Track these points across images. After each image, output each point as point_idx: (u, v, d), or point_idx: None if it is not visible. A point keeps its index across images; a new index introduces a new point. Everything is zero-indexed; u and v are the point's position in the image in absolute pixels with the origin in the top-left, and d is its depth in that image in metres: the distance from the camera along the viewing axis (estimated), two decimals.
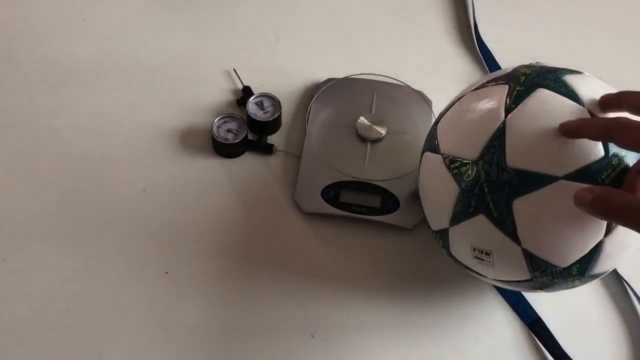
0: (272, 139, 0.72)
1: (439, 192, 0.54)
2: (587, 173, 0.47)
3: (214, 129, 0.69)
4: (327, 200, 0.66)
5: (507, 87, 0.52)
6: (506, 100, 0.51)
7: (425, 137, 0.59)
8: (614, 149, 0.47)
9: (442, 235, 0.55)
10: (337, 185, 0.66)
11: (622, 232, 0.49)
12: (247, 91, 0.74)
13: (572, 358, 0.59)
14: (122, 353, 0.57)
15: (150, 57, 0.78)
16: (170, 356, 0.58)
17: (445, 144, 0.54)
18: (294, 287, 0.62)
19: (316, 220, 0.66)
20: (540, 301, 0.63)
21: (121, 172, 0.68)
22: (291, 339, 0.59)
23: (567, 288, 0.53)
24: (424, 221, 0.60)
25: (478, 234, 0.51)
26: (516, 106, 0.50)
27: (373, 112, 0.72)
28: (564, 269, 0.50)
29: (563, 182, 0.47)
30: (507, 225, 0.49)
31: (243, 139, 0.69)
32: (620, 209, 0.43)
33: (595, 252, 0.49)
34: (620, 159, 0.47)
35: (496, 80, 0.54)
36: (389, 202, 0.66)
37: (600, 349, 0.61)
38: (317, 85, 0.75)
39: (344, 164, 0.68)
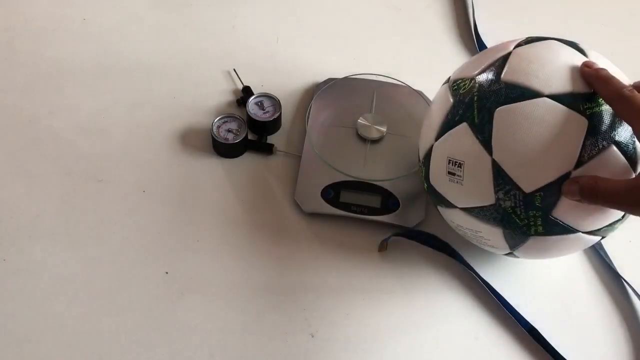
0: (272, 139, 0.72)
1: (436, 111, 0.57)
2: (570, 99, 0.49)
3: (214, 129, 0.69)
4: (327, 200, 0.66)
5: (521, 39, 0.56)
6: (519, 42, 0.55)
7: None
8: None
9: (426, 159, 0.57)
10: (337, 185, 0.66)
11: (594, 170, 0.49)
12: (247, 91, 0.74)
13: (572, 358, 0.59)
14: (122, 353, 0.57)
15: (150, 57, 0.78)
16: (170, 356, 0.58)
17: (455, 74, 0.58)
18: (294, 287, 0.62)
19: (316, 220, 0.66)
20: (540, 301, 0.63)
21: (121, 172, 0.68)
22: (291, 339, 0.59)
23: (528, 233, 0.53)
24: (424, 219, 0.60)
25: (456, 142, 0.53)
26: (526, 44, 0.55)
27: (373, 112, 0.72)
28: (527, 194, 0.50)
29: (547, 100, 0.49)
30: (484, 132, 0.51)
31: (243, 139, 0.69)
32: (608, 193, 0.47)
33: (561, 182, 0.49)
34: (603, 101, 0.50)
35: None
36: (389, 202, 0.66)
37: (600, 349, 0.61)
38: (317, 85, 0.75)
39: (344, 164, 0.68)
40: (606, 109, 0.49)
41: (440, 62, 0.81)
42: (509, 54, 0.54)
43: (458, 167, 0.53)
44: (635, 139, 0.50)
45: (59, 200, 0.66)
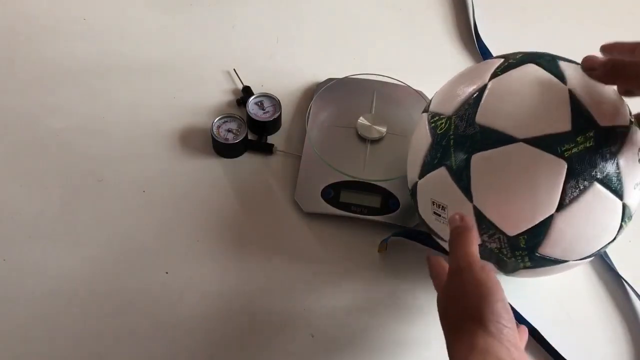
0: (272, 139, 0.72)
1: (418, 145, 0.56)
2: (547, 142, 0.48)
3: (214, 129, 0.69)
4: (327, 200, 0.66)
5: (502, 60, 0.55)
6: (495, 70, 0.53)
7: None
8: (581, 126, 0.48)
9: (413, 192, 0.58)
10: (337, 185, 0.66)
11: (575, 213, 0.49)
12: (247, 91, 0.74)
13: (572, 358, 0.59)
14: (122, 353, 0.57)
15: (150, 57, 0.78)
16: (170, 356, 0.58)
17: (433, 103, 0.57)
18: (293, 287, 0.62)
19: (316, 220, 0.66)
20: (540, 301, 0.63)
21: (121, 172, 0.68)
22: (291, 339, 0.59)
23: (517, 269, 0.53)
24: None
25: (438, 186, 0.53)
26: (502, 74, 0.52)
27: (373, 112, 0.72)
28: (511, 237, 0.50)
29: (522, 144, 0.48)
30: (462, 179, 0.50)
31: (243, 139, 0.69)
32: (633, 67, 0.46)
33: (545, 226, 0.49)
34: (585, 138, 0.48)
35: (498, 57, 0.57)
36: (389, 202, 0.66)
37: (600, 349, 0.61)
38: (317, 85, 0.75)
39: (344, 164, 0.68)
40: (585, 148, 0.48)
41: (440, 62, 0.81)
42: (485, 87, 0.52)
43: (442, 209, 0.53)
44: (620, 172, 0.49)
45: (59, 200, 0.66)
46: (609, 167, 0.49)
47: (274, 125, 0.72)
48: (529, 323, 0.61)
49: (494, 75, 0.53)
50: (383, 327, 0.61)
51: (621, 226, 0.52)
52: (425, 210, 0.56)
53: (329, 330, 0.60)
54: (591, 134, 0.48)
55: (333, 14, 0.86)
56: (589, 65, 0.50)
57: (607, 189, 0.49)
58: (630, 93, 0.51)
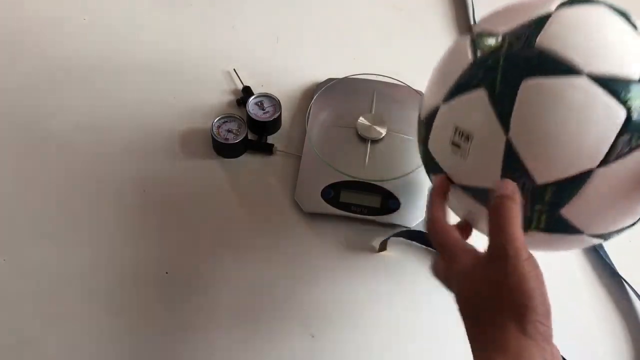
0: (272, 139, 0.72)
1: (448, 67, 0.50)
2: (613, 84, 0.41)
3: (214, 129, 0.69)
4: (327, 200, 0.66)
5: None
6: (563, 1, 0.47)
7: None
8: None
9: (428, 121, 0.50)
10: (337, 185, 0.66)
11: (617, 174, 0.43)
12: (247, 91, 0.74)
13: (572, 358, 0.59)
14: (122, 353, 0.57)
15: (150, 57, 0.78)
16: (170, 356, 0.58)
17: (480, 25, 0.50)
18: (294, 287, 0.62)
19: (316, 220, 0.66)
20: None
21: (121, 172, 0.68)
22: (291, 339, 0.59)
23: (527, 228, 0.45)
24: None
25: (468, 111, 0.46)
26: (571, 4, 0.46)
27: (373, 112, 0.72)
28: (538, 186, 0.43)
29: (585, 79, 0.42)
30: (504, 105, 0.43)
31: (243, 139, 0.69)
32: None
33: (580, 181, 0.42)
34: None
35: None
36: (389, 202, 0.66)
37: (600, 349, 0.61)
38: (317, 85, 0.75)
39: (344, 164, 0.68)
40: None
41: None
42: (549, 14, 0.45)
43: (465, 139, 0.45)
44: None
45: (59, 200, 0.66)
46: None
47: (274, 125, 0.72)
48: None
49: (562, 5, 0.46)
50: (383, 327, 0.61)
51: None
52: (439, 140, 0.49)
53: (329, 330, 0.60)
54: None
55: (333, 14, 0.86)
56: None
57: None
58: None
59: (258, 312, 0.60)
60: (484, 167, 0.45)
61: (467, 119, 0.46)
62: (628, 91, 0.41)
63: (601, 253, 0.66)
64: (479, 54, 0.46)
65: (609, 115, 0.41)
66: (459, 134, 0.46)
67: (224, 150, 0.70)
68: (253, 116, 0.70)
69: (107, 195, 0.67)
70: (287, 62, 0.79)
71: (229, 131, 0.69)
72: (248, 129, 0.71)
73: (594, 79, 0.41)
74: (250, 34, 0.82)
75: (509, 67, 0.44)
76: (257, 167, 0.70)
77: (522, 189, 0.43)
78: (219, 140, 0.68)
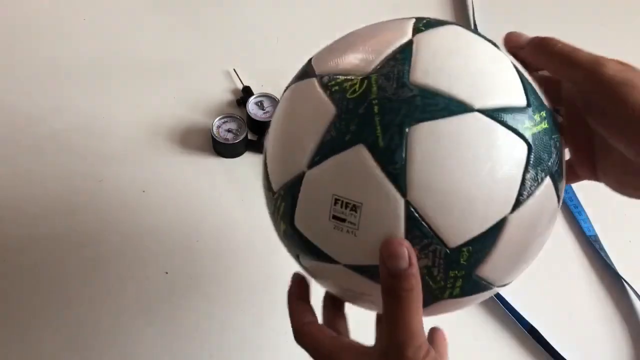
0: None
1: (303, 121, 0.39)
2: (506, 116, 0.36)
3: (214, 129, 0.69)
4: None
5: (413, 18, 0.44)
6: (417, 25, 0.42)
7: None
8: (535, 103, 0.38)
9: (289, 192, 0.39)
10: None
11: (528, 216, 0.37)
12: (247, 91, 0.74)
13: (572, 358, 0.59)
14: (122, 353, 0.57)
15: (150, 57, 0.78)
16: (170, 356, 0.58)
17: (323, 64, 0.42)
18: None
19: None
20: (540, 301, 0.63)
21: (121, 172, 0.68)
22: (291, 339, 0.59)
23: (440, 297, 0.38)
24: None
25: (349, 175, 0.36)
26: (426, 30, 0.41)
27: None
28: (452, 250, 0.35)
29: (479, 115, 0.35)
30: (394, 161, 0.35)
31: (243, 139, 0.69)
32: (565, 47, 0.39)
33: (495, 232, 0.36)
34: (541, 118, 0.38)
35: (403, 19, 0.44)
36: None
37: (600, 349, 0.61)
38: None
39: None
40: (542, 129, 0.37)
41: None
42: (410, 42, 0.39)
43: (352, 210, 0.36)
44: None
45: (59, 200, 0.66)
46: (557, 158, 0.38)
47: None
48: (529, 323, 0.61)
49: (417, 30, 0.40)
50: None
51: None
52: (313, 215, 0.38)
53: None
54: (544, 114, 0.37)
55: (333, 13, 0.86)
56: (514, 44, 0.40)
57: (554, 188, 0.38)
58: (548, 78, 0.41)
59: (258, 312, 0.60)
60: (381, 241, 0.36)
61: (351, 186, 0.36)
62: (522, 122, 0.36)
63: (601, 253, 0.66)
64: (343, 103, 0.37)
65: (512, 151, 0.36)
66: (343, 204, 0.36)
67: (224, 150, 0.70)
68: (253, 116, 0.70)
69: (107, 195, 0.67)
70: (287, 62, 0.79)
71: (229, 131, 0.69)
72: (248, 129, 0.71)
73: (487, 114, 0.35)
74: (250, 34, 0.82)
75: (388, 114, 0.35)
76: (257, 167, 0.70)
77: (434, 255, 0.36)
78: (219, 140, 0.68)
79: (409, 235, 0.35)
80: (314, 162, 0.37)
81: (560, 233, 0.68)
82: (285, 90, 0.44)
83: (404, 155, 0.35)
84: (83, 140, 0.70)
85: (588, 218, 0.68)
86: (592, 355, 0.61)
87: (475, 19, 0.85)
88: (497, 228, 0.36)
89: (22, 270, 0.61)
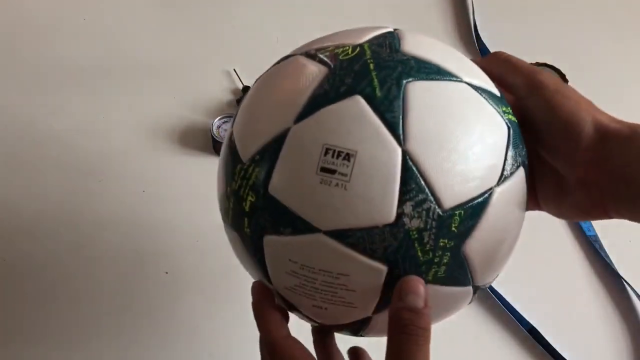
0: None
1: (287, 84, 0.38)
2: (489, 94, 0.37)
3: (214, 128, 0.69)
4: None
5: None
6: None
7: None
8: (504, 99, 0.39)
9: (266, 155, 0.35)
10: None
11: (508, 196, 0.36)
12: (247, 91, 0.74)
13: (572, 358, 0.59)
14: (122, 353, 0.57)
15: (150, 57, 0.78)
16: (170, 356, 0.58)
17: (306, 47, 0.42)
18: None
19: None
20: (540, 301, 0.63)
21: (121, 172, 0.68)
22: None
23: (431, 265, 0.34)
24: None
25: (344, 122, 0.34)
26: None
27: None
28: (444, 212, 0.33)
29: (469, 88, 0.36)
30: (393, 109, 0.34)
31: None
32: (510, 57, 0.41)
33: (484, 202, 0.34)
34: (508, 111, 0.39)
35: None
36: None
37: (600, 349, 0.61)
38: None
39: None
40: (514, 122, 0.38)
41: None
42: (394, 31, 0.40)
43: (344, 160, 0.33)
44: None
45: (59, 200, 0.66)
46: (526, 154, 0.38)
47: None
48: (529, 323, 0.61)
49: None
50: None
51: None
52: (296, 175, 0.34)
53: None
54: (510, 109, 0.38)
55: (333, 13, 0.86)
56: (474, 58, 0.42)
57: (525, 178, 0.37)
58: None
59: None
60: (374, 194, 0.33)
61: (343, 133, 0.34)
62: (500, 106, 0.37)
63: (601, 253, 0.66)
64: (336, 62, 0.36)
65: (498, 125, 0.36)
66: (334, 154, 0.34)
67: None
68: None
69: (107, 195, 0.67)
70: None
71: None
72: None
73: (474, 88, 0.36)
74: (250, 34, 0.82)
75: (384, 70, 0.35)
76: None
77: (427, 215, 0.33)
78: (219, 140, 0.68)
79: (403, 187, 0.33)
80: (302, 116, 0.35)
81: (560, 233, 0.68)
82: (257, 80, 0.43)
83: (401, 105, 0.34)
84: (83, 140, 0.70)
85: None
86: (592, 355, 0.61)
87: (476, 19, 0.85)
88: (486, 199, 0.34)
89: (22, 270, 0.61)
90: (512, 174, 0.35)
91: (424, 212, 0.33)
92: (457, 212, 0.33)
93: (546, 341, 0.60)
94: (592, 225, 0.68)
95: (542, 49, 0.84)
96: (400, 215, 0.33)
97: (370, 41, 0.37)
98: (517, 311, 0.61)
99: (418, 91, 0.34)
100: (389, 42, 0.37)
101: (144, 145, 0.71)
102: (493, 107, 0.36)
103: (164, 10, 0.83)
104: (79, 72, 0.76)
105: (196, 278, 0.62)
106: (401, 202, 0.33)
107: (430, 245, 0.34)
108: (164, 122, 0.72)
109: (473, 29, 0.85)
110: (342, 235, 0.34)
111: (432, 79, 0.35)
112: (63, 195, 0.66)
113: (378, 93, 0.34)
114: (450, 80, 0.35)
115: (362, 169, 0.33)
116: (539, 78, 0.38)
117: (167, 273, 0.62)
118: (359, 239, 0.33)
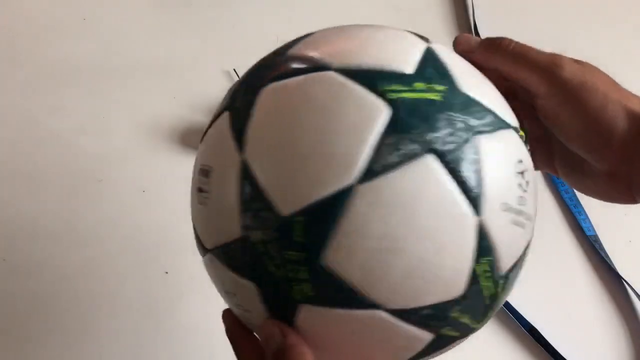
0: None
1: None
2: (368, 74, 0.32)
3: None
4: None
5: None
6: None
7: None
8: (430, 75, 0.32)
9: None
10: None
11: (391, 193, 0.29)
12: None
13: (572, 358, 0.59)
14: (122, 353, 0.57)
15: (150, 57, 0.78)
16: (170, 356, 0.58)
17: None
18: None
19: None
20: (540, 301, 0.63)
21: (121, 172, 0.68)
22: None
23: (294, 297, 0.30)
24: None
25: (211, 141, 0.35)
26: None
27: None
28: (282, 220, 0.30)
29: (333, 74, 0.32)
30: (240, 119, 0.33)
31: None
32: (518, 47, 0.36)
33: (337, 205, 0.29)
34: (429, 88, 0.31)
35: None
36: None
37: (600, 349, 0.61)
38: None
39: None
40: (426, 99, 0.30)
41: None
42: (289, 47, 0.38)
43: (205, 177, 0.34)
44: (474, 154, 0.30)
45: (59, 200, 0.66)
46: (464, 145, 0.30)
47: None
48: (529, 323, 0.61)
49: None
50: None
51: (475, 268, 0.30)
52: (192, 197, 0.36)
53: None
54: (442, 87, 0.31)
55: (333, 14, 0.86)
56: (464, 47, 0.37)
57: (450, 175, 0.29)
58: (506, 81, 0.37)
59: None
60: (223, 207, 0.32)
61: (207, 150, 0.35)
62: (389, 83, 0.30)
63: (601, 253, 0.66)
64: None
65: (367, 114, 0.30)
66: (202, 172, 0.34)
67: None
68: None
69: (107, 195, 0.67)
70: None
71: None
72: None
73: (344, 73, 0.31)
74: (250, 34, 0.82)
75: (250, 79, 0.35)
76: None
77: (268, 223, 0.30)
78: None
79: (242, 197, 0.31)
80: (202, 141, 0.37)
81: (560, 233, 0.68)
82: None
83: (250, 113, 0.32)
84: (83, 140, 0.70)
85: (588, 218, 0.68)
86: (592, 355, 0.61)
87: (476, 19, 0.85)
88: (340, 200, 0.29)
89: (22, 270, 0.61)
90: (394, 167, 0.29)
91: (263, 220, 0.30)
92: (297, 219, 0.29)
93: (546, 341, 0.60)
94: (592, 225, 0.68)
95: (542, 49, 0.84)
96: (244, 227, 0.31)
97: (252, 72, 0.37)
98: (517, 311, 0.61)
99: (269, 95, 0.32)
100: (281, 50, 0.37)
101: (144, 145, 0.71)
102: (367, 87, 0.30)
103: (164, 10, 0.83)
104: (79, 72, 0.76)
105: (196, 278, 0.62)
106: (242, 214, 0.31)
107: (279, 260, 0.30)
108: (164, 122, 0.72)
109: (473, 29, 0.85)
110: (216, 252, 0.34)
111: (291, 76, 0.33)
112: (63, 195, 0.66)
113: (237, 104, 0.34)
114: (312, 72, 0.32)
115: (215, 184, 0.33)
116: (559, 74, 0.34)
117: (167, 273, 0.62)
118: (224, 254, 0.33)
